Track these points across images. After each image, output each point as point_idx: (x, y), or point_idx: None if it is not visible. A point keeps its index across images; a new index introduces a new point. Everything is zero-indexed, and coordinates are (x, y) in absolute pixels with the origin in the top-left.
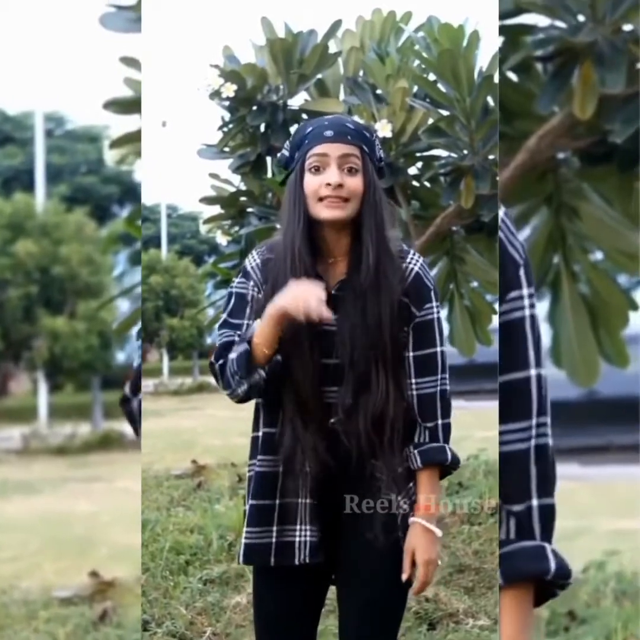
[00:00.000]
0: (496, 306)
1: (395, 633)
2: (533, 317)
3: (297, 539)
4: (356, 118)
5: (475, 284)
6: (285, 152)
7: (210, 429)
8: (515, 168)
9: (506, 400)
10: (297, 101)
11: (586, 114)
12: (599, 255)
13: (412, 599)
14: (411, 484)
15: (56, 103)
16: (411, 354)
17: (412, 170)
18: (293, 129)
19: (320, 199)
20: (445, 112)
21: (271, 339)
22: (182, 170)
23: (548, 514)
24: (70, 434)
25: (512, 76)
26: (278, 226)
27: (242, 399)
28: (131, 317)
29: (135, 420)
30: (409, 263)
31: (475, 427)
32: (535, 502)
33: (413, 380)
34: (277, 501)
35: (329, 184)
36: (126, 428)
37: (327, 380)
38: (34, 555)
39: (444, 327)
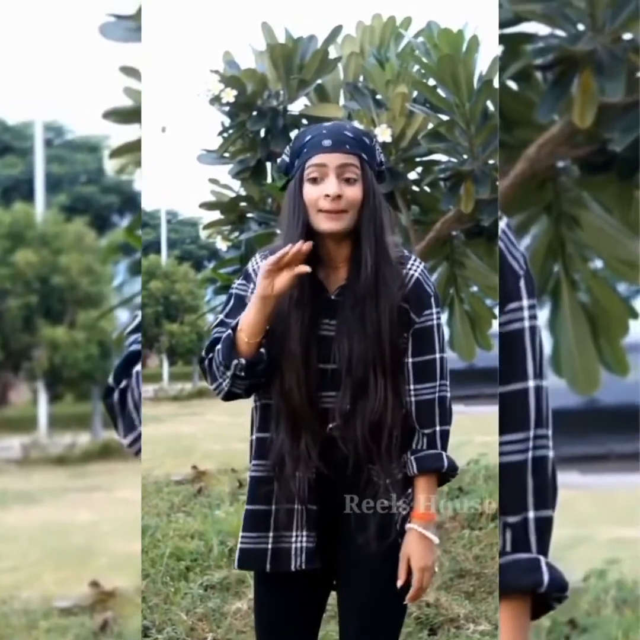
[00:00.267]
0: (496, 311)
1: (395, 638)
2: (533, 329)
3: (293, 545)
4: (356, 123)
5: (475, 288)
6: (286, 158)
7: (210, 435)
8: (515, 177)
9: (505, 411)
10: (297, 106)
11: (586, 123)
12: (598, 264)
13: (412, 604)
14: (409, 490)
15: (56, 113)
16: (410, 360)
17: (412, 175)
18: (293, 134)
19: (320, 211)
20: (444, 117)
21: (254, 328)
22: (181, 176)
23: (544, 526)
24: (70, 444)
25: (512, 85)
26: (278, 231)
27: (227, 395)
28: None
29: (116, 415)
30: (410, 269)
31: (475, 432)
32: (531, 514)
33: (411, 387)
34: (273, 506)
35: (327, 195)
36: None
37: (324, 386)
38: (34, 565)
39: (444, 333)
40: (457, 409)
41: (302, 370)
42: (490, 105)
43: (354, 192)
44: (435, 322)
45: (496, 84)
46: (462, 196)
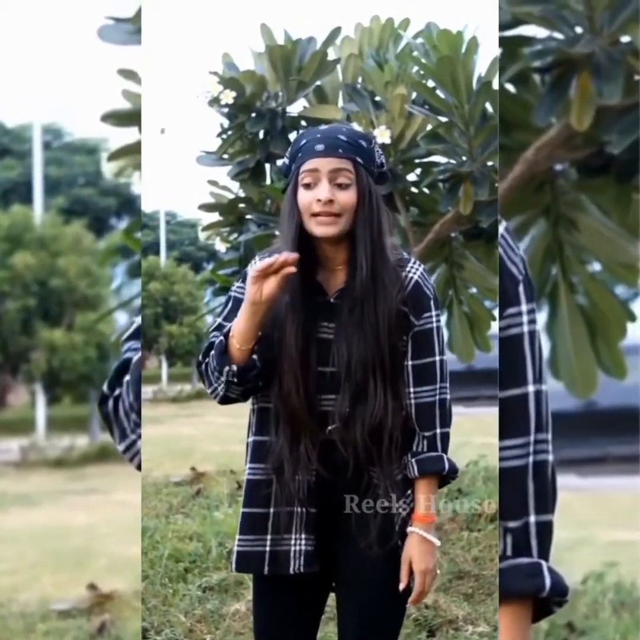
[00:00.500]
0: (495, 312)
1: (395, 637)
2: (532, 334)
3: (292, 548)
4: (355, 125)
5: (474, 290)
6: (286, 161)
7: (209, 436)
8: (513, 179)
9: (505, 416)
10: (296, 108)
11: (584, 125)
12: (597, 267)
13: (411, 605)
14: (409, 491)
15: (54, 115)
16: (410, 362)
17: (411, 177)
18: (292, 136)
19: (313, 215)
20: (443, 119)
21: (245, 335)
22: (181, 177)
23: (545, 531)
24: (68, 446)
25: (510, 87)
26: (277, 233)
27: (223, 399)
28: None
29: (111, 422)
30: (409, 272)
31: (474, 434)
32: (532, 518)
33: (411, 389)
34: (271, 509)
35: (319, 200)
36: None
37: (323, 389)
38: (32, 567)
39: (444, 336)
40: (456, 410)
41: (301, 373)
42: (489, 107)
43: (347, 197)
44: (434, 324)
45: (495, 85)
46: (460, 198)
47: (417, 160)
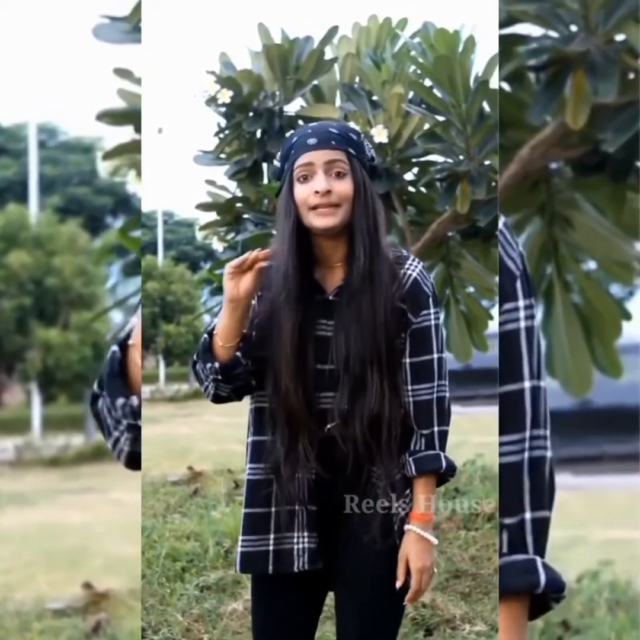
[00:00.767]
0: (492, 311)
1: (394, 637)
2: (529, 329)
3: (296, 546)
4: (352, 124)
5: (471, 289)
6: (277, 163)
7: (206, 436)
8: (508, 178)
9: (503, 411)
10: (293, 107)
11: (579, 124)
12: (592, 265)
13: (409, 604)
14: (408, 491)
15: (49, 114)
16: (408, 360)
17: (408, 176)
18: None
19: (311, 208)
20: (441, 118)
21: (227, 332)
22: (178, 177)
23: (541, 527)
24: (63, 446)
25: (505, 86)
26: (274, 232)
27: (215, 397)
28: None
29: (101, 422)
30: (407, 269)
31: (472, 433)
32: (528, 515)
33: (409, 387)
34: (273, 509)
35: (317, 192)
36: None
37: (322, 386)
38: (27, 566)
39: (443, 334)
40: (454, 409)
41: (298, 372)
42: (486, 106)
43: (343, 187)
44: (433, 322)
45: (492, 84)
46: (458, 197)
47: (414, 160)
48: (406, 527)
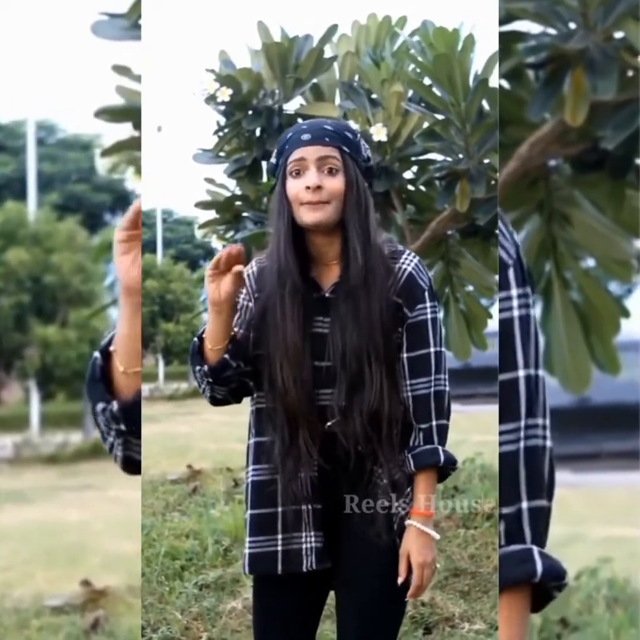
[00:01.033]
0: (491, 310)
1: (394, 637)
2: (523, 318)
3: (304, 545)
4: (351, 123)
5: (470, 287)
6: (273, 160)
7: (205, 434)
8: (507, 175)
9: (500, 401)
10: (292, 105)
11: (577, 121)
12: (590, 263)
13: (408, 603)
14: (409, 490)
15: (48, 111)
16: (405, 355)
17: (408, 174)
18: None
19: (302, 203)
20: (440, 116)
21: (214, 335)
22: (177, 175)
23: (539, 517)
24: (62, 443)
25: (504, 83)
26: (270, 230)
27: (212, 400)
28: None
29: (99, 425)
30: (402, 263)
31: (471, 431)
32: (524, 504)
33: (407, 382)
34: (279, 509)
35: (308, 187)
36: None
37: (320, 383)
38: (25, 564)
39: (441, 328)
40: (453, 408)
41: (296, 369)
42: (485, 104)
43: (335, 183)
44: (429, 316)
45: (492, 82)
46: (457, 195)
47: (413, 158)
48: (407, 522)
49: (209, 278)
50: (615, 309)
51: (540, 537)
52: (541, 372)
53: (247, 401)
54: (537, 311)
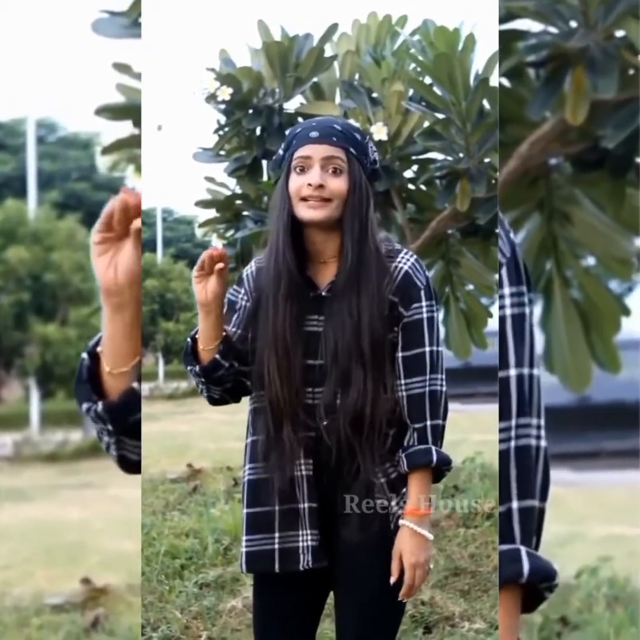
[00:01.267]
0: (491, 309)
1: (393, 636)
2: (515, 317)
3: (300, 544)
4: (352, 121)
5: (470, 286)
6: (280, 152)
7: (205, 433)
8: (507, 174)
9: (499, 400)
10: (293, 104)
11: (578, 120)
12: (591, 261)
13: (408, 602)
14: (405, 490)
15: (48, 109)
16: (400, 354)
17: (408, 174)
18: (288, 133)
19: (302, 199)
20: (440, 115)
21: (205, 335)
22: (177, 174)
23: (529, 516)
24: (61, 441)
25: (505, 82)
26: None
27: (210, 400)
28: None
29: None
30: (399, 262)
31: (471, 431)
32: (515, 504)
33: (402, 381)
34: (275, 507)
35: (309, 184)
36: None
37: (313, 382)
38: (25, 562)
39: (438, 327)
40: (453, 407)
41: (284, 366)
42: (486, 104)
43: (337, 184)
44: (425, 315)
45: (493, 82)
46: (457, 194)
47: (414, 157)
48: (400, 522)
49: (195, 280)
50: (616, 307)
51: (530, 537)
52: (536, 371)
53: (246, 400)
54: (537, 309)
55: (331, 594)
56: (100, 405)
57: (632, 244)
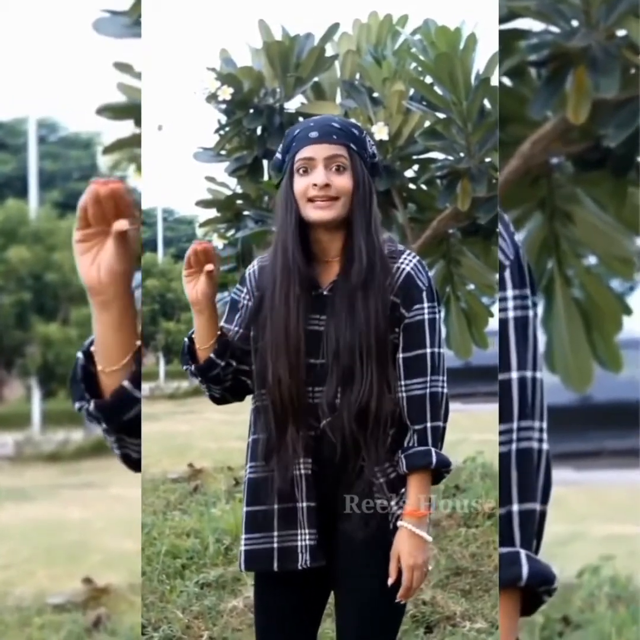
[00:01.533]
0: (492, 308)
1: (394, 636)
2: (519, 319)
3: (299, 543)
4: (352, 121)
5: (471, 286)
6: (279, 156)
7: (206, 433)
8: (509, 173)
9: (499, 402)
10: (293, 104)
11: (580, 119)
12: (592, 260)
13: (409, 602)
14: (403, 489)
15: (49, 109)
16: (401, 355)
17: (409, 173)
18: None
19: (309, 200)
20: (441, 115)
21: (200, 334)
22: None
23: (529, 519)
24: (63, 441)
25: (506, 81)
26: (274, 229)
27: (212, 399)
28: None
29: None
30: (401, 263)
31: (471, 430)
32: (515, 507)
33: (402, 382)
34: (275, 506)
35: (315, 185)
36: None
37: (314, 381)
38: (27, 562)
39: (440, 328)
40: (454, 406)
41: (290, 365)
42: (487, 103)
43: (342, 181)
44: (426, 316)
45: (494, 81)
46: (458, 194)
47: (414, 157)
48: (399, 523)
49: (185, 279)
50: (617, 306)
51: (530, 540)
52: (539, 374)
53: (248, 399)
54: (538, 309)
55: (332, 593)
56: (92, 405)
57: (634, 243)
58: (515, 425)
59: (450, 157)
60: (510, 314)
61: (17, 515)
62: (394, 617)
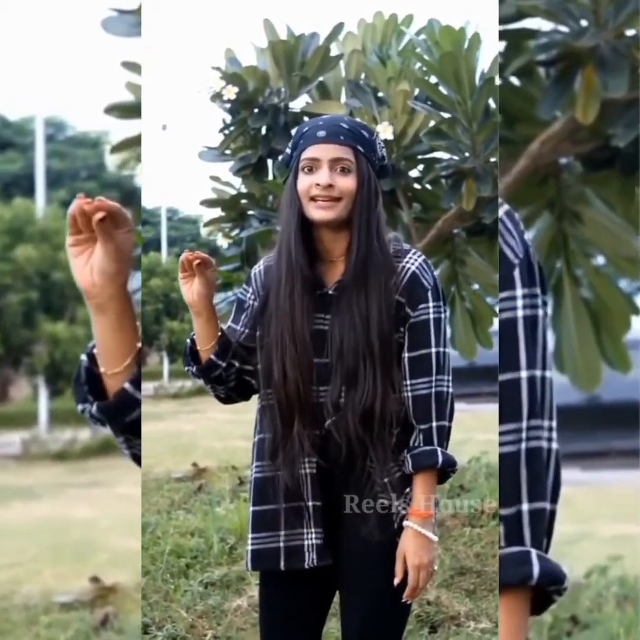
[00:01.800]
0: (497, 308)
1: (399, 636)
2: (528, 318)
3: (305, 542)
4: (363, 123)
5: (476, 286)
6: (288, 151)
7: (210, 432)
8: (517, 173)
9: (500, 402)
10: (298, 104)
11: (588, 119)
12: (601, 260)
13: (413, 601)
14: (409, 490)
15: (57, 108)
16: (406, 354)
17: (414, 173)
18: (294, 131)
19: (312, 199)
20: (446, 115)
21: (200, 336)
22: (182, 173)
23: (539, 519)
24: (70, 440)
25: (514, 80)
26: (279, 228)
27: (218, 399)
28: None
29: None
30: (406, 262)
31: (476, 430)
32: (525, 506)
33: (408, 382)
34: (282, 505)
35: (318, 184)
36: None
37: (320, 380)
38: (34, 560)
39: (445, 328)
40: (458, 406)
41: (303, 365)
42: (492, 103)
43: (346, 182)
44: (431, 316)
45: (498, 81)
46: (463, 194)
47: (419, 157)
48: (405, 523)
49: (181, 281)
50: (626, 306)
51: (540, 540)
52: (548, 374)
53: (253, 399)
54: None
55: (337, 593)
56: (94, 407)
57: None
58: (525, 424)
59: (455, 157)
60: (519, 313)
61: (24, 514)
62: (400, 617)
